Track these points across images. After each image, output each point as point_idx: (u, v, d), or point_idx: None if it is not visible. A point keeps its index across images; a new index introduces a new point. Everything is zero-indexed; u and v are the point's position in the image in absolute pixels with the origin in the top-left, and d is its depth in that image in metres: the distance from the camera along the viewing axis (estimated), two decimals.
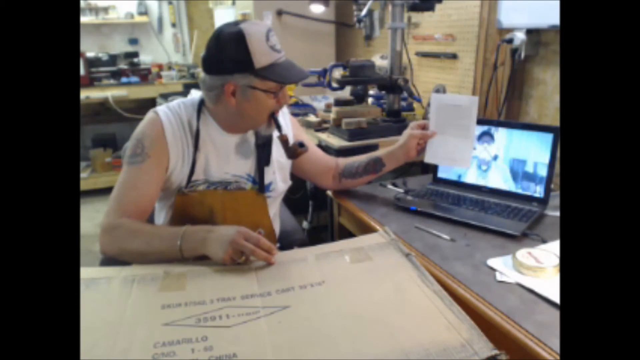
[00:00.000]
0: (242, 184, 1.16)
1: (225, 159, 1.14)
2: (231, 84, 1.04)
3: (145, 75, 3.73)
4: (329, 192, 1.45)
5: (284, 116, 1.28)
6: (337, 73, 1.78)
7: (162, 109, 1.12)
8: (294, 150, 1.13)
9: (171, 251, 0.96)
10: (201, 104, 1.14)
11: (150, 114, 1.11)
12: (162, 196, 1.15)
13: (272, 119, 1.11)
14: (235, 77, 1.03)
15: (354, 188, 1.42)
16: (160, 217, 1.20)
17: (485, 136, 1.35)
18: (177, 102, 1.15)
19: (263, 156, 1.18)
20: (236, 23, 1.04)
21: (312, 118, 1.97)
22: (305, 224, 2.41)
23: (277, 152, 1.22)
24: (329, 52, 2.88)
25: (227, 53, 1.02)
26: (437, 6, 1.75)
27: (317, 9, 2.63)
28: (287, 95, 1.11)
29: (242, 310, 0.77)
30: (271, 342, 0.69)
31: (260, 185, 1.17)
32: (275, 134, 1.15)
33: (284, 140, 1.12)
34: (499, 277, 0.93)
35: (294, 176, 1.34)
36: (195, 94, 1.19)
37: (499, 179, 1.34)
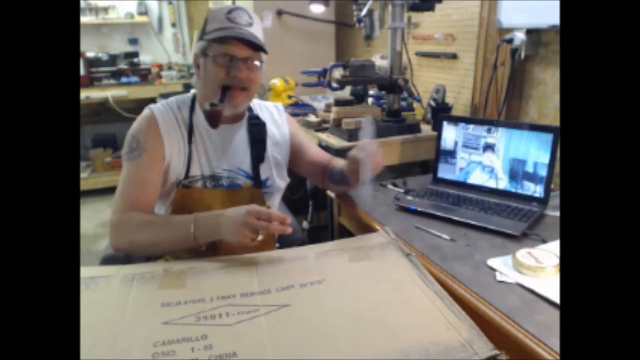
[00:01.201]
0: (236, 179, 1.16)
1: (218, 152, 1.15)
2: (196, 56, 1.11)
3: (145, 75, 3.73)
4: (329, 192, 1.45)
5: (280, 114, 1.28)
6: (337, 73, 1.78)
7: (156, 105, 1.15)
8: (207, 115, 1.10)
9: (186, 239, 0.97)
10: (195, 97, 1.16)
11: (145, 111, 1.13)
12: (161, 192, 1.15)
13: (223, 92, 1.08)
14: (196, 47, 1.10)
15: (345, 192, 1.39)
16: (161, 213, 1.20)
17: (488, 149, 1.35)
18: (172, 98, 1.17)
19: (257, 152, 1.19)
20: None
21: (312, 118, 1.97)
22: (305, 224, 2.41)
23: (272, 149, 1.22)
24: (329, 52, 2.87)
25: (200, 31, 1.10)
26: (437, 6, 1.75)
27: (317, 9, 2.63)
28: (239, 69, 1.07)
29: (242, 309, 0.77)
30: (271, 341, 0.69)
31: (255, 182, 1.18)
32: (273, 131, 1.15)
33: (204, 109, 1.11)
34: (499, 277, 0.93)
35: (294, 176, 1.34)
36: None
37: (499, 179, 1.34)
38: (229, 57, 1.06)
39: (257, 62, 1.10)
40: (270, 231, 0.93)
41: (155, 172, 1.09)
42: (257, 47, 1.08)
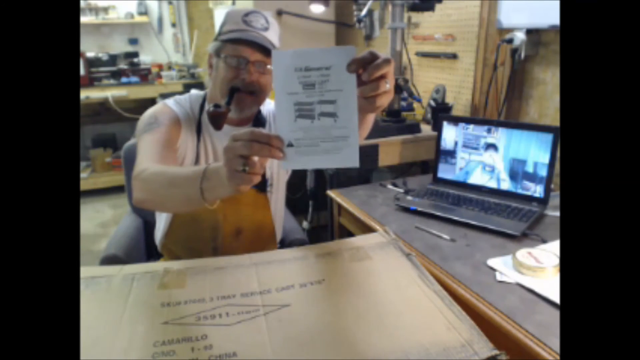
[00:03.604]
0: None
1: (220, 151, 1.14)
2: (210, 56, 1.10)
3: (145, 75, 3.73)
4: (329, 192, 1.45)
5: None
6: None
7: (169, 100, 1.15)
8: (209, 115, 1.04)
9: (194, 192, 0.82)
10: (206, 96, 1.16)
11: (158, 104, 1.12)
12: None
13: (231, 95, 1.05)
14: (210, 46, 1.09)
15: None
16: (162, 214, 1.19)
17: (490, 148, 1.35)
18: (186, 95, 1.18)
19: None
20: None
21: None
22: (305, 224, 2.41)
23: None
24: None
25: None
26: (437, 6, 1.75)
27: (317, 9, 2.63)
28: (249, 72, 1.05)
29: (242, 309, 0.77)
30: (271, 341, 0.69)
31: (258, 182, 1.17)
32: (274, 129, 1.14)
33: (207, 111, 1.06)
34: (499, 277, 0.93)
35: (294, 176, 1.34)
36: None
37: (499, 179, 1.34)
38: (239, 59, 1.05)
39: (269, 67, 1.07)
40: (254, 150, 0.69)
41: (174, 139, 1.04)
42: (268, 52, 1.05)
